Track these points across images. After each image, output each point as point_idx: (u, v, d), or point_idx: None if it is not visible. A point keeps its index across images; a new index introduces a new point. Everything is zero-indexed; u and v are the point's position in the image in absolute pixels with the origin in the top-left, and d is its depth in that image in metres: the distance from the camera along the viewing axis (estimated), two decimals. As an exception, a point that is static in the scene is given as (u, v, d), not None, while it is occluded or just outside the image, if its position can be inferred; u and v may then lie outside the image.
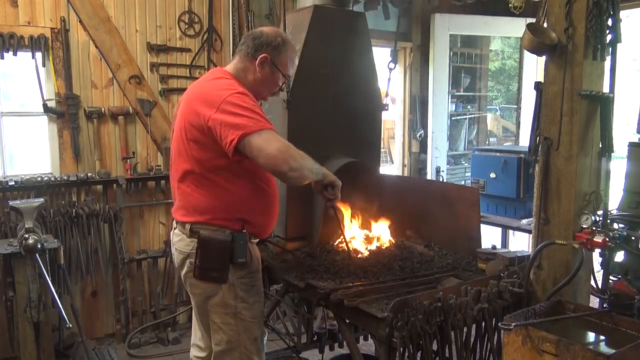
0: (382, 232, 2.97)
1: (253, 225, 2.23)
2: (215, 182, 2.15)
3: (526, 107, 5.74)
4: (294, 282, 2.53)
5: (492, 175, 4.26)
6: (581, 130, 2.14)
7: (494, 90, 7.85)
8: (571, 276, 2.11)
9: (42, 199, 3.35)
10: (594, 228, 2.11)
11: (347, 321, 2.47)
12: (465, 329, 2.17)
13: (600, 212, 2.20)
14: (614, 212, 2.48)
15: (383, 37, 4.75)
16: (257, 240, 2.38)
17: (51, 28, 3.78)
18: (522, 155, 4.08)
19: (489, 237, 4.01)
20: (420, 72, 5.34)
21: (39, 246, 3.00)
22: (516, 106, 6.02)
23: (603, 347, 1.94)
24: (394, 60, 3.22)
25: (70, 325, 3.06)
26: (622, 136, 3.33)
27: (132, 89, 4.10)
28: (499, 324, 2.09)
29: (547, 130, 2.23)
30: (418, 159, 5.40)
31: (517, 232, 4.54)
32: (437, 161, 5.38)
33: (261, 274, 2.35)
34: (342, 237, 2.71)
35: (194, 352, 2.53)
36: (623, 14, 2.63)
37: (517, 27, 4.89)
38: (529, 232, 3.65)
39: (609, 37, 2.12)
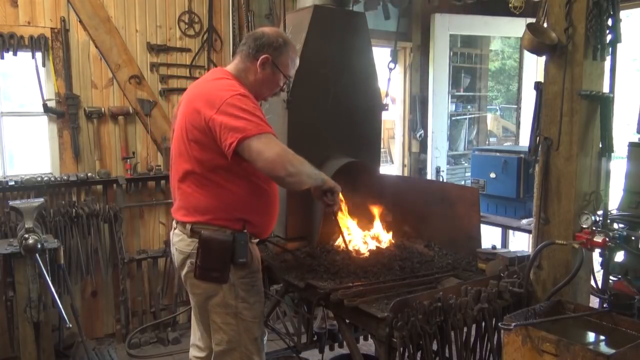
0: (380, 230, 2.97)
1: (253, 225, 2.23)
2: (215, 183, 2.15)
3: (526, 107, 5.74)
4: (294, 282, 2.53)
5: (492, 175, 4.26)
6: (581, 130, 2.14)
7: (494, 90, 7.84)
8: (571, 276, 2.11)
9: (42, 199, 3.35)
10: (594, 228, 2.11)
11: (347, 321, 2.47)
12: (465, 329, 2.17)
13: (600, 212, 2.20)
14: (614, 212, 2.48)
15: (383, 37, 4.76)
16: (257, 240, 2.38)
17: (51, 28, 3.78)
18: (522, 155, 4.08)
19: (489, 237, 4.01)
20: (420, 72, 5.34)
21: (39, 246, 3.00)
22: (516, 106, 6.03)
23: (603, 347, 1.94)
24: (394, 60, 3.22)
25: (70, 325, 3.06)
26: (622, 136, 3.34)
27: (132, 89, 4.10)
28: (499, 324, 2.09)
29: (547, 130, 2.23)
30: (418, 159, 5.40)
31: (517, 232, 4.54)
32: (437, 161, 5.38)
33: (261, 274, 2.35)
34: (342, 240, 2.71)
35: (193, 352, 2.53)
36: (623, 14, 2.63)
37: (517, 27, 4.88)
38: (529, 232, 3.65)
39: (609, 37, 2.12)
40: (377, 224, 2.99)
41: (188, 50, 4.29)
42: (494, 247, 2.68)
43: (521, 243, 5.19)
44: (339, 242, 2.80)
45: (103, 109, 4.00)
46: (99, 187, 4.01)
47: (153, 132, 4.21)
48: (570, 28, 2.09)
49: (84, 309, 4.01)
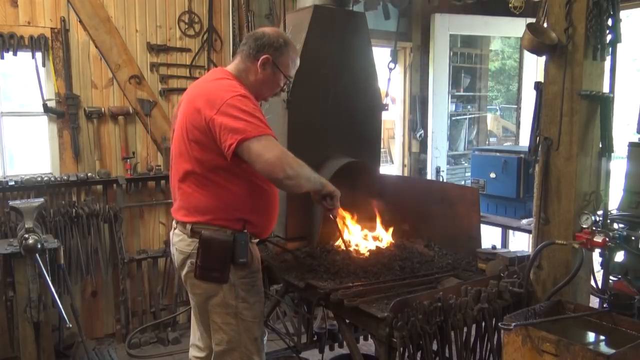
0: (380, 231, 2.97)
1: (254, 225, 2.23)
2: (216, 183, 2.15)
3: (526, 107, 5.74)
4: (294, 282, 2.53)
5: (492, 175, 4.26)
6: (581, 130, 2.14)
7: (494, 90, 7.84)
8: (571, 276, 2.11)
9: (42, 199, 3.35)
10: (594, 228, 2.11)
11: (347, 321, 2.47)
12: (465, 329, 2.17)
13: (600, 212, 2.20)
14: (614, 212, 2.48)
15: (383, 37, 4.75)
16: (257, 240, 2.38)
17: (51, 28, 3.78)
18: (522, 155, 4.08)
19: (489, 237, 4.01)
20: (420, 72, 5.34)
21: (39, 246, 3.00)
22: (516, 106, 6.03)
23: (603, 347, 1.94)
24: (394, 60, 3.22)
25: (70, 325, 3.06)
26: (622, 136, 3.34)
27: (132, 89, 4.10)
28: (499, 324, 2.09)
29: (547, 130, 2.23)
30: (418, 159, 5.40)
31: (517, 232, 4.54)
32: (437, 161, 5.38)
33: (261, 274, 2.35)
34: (342, 243, 2.71)
35: (193, 352, 2.53)
36: (623, 14, 2.63)
37: (517, 27, 4.88)
38: (529, 232, 3.65)
39: (609, 37, 2.12)
40: (377, 225, 2.99)
41: (188, 50, 4.29)
42: (494, 247, 2.68)
43: (521, 243, 5.19)
44: (339, 242, 2.80)
45: (103, 109, 4.00)
46: (99, 187, 4.01)
47: (153, 132, 4.21)
48: (570, 28, 2.09)
49: (84, 309, 4.01)
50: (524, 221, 4.03)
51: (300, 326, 3.01)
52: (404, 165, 5.50)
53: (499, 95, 7.90)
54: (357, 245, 2.82)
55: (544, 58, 2.26)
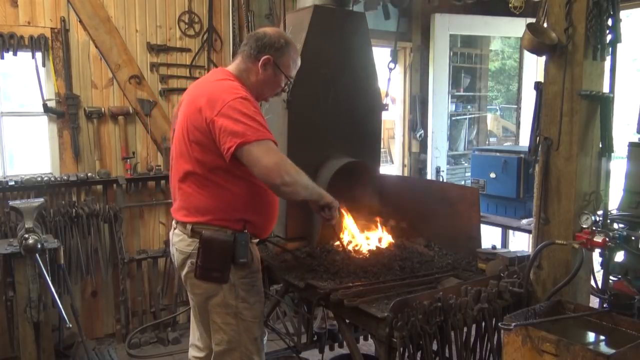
0: (380, 233, 2.97)
1: (254, 226, 2.24)
2: (216, 183, 2.15)
3: (526, 107, 5.74)
4: (294, 282, 2.53)
5: (492, 175, 4.26)
6: (581, 130, 2.14)
7: (494, 90, 7.84)
8: (571, 276, 2.11)
9: (42, 199, 3.35)
10: (594, 228, 2.11)
11: (347, 321, 2.47)
12: (465, 329, 2.17)
13: (600, 212, 2.20)
14: (614, 212, 2.48)
15: (383, 37, 4.75)
16: (257, 240, 2.38)
17: (51, 28, 3.78)
18: (522, 155, 4.08)
19: (489, 237, 4.01)
20: (420, 72, 5.33)
21: (39, 246, 3.00)
22: (516, 106, 6.02)
23: (603, 347, 1.94)
24: (394, 60, 3.22)
25: (70, 325, 3.06)
26: (622, 136, 3.34)
27: (132, 89, 4.10)
28: (499, 324, 2.09)
29: (547, 130, 2.23)
30: (418, 159, 5.40)
31: (517, 232, 4.54)
32: (437, 161, 5.38)
33: (261, 274, 2.35)
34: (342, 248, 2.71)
35: (192, 352, 2.53)
36: (623, 14, 2.63)
37: (517, 27, 4.88)
38: (529, 232, 3.65)
39: (609, 37, 2.12)
40: (377, 226, 2.99)
41: (188, 50, 4.29)
42: (494, 247, 2.68)
43: (521, 243, 5.19)
44: (339, 243, 2.80)
45: (103, 109, 4.00)
46: (99, 187, 4.01)
47: (153, 132, 4.21)
48: (570, 28, 2.09)
49: (84, 309, 4.01)
50: (524, 221, 4.03)
51: (300, 326, 3.01)
52: (404, 165, 5.50)
53: (499, 95, 7.90)
54: (357, 246, 2.82)
55: (544, 58, 2.26)
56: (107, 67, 4.01)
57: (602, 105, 2.16)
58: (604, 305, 2.30)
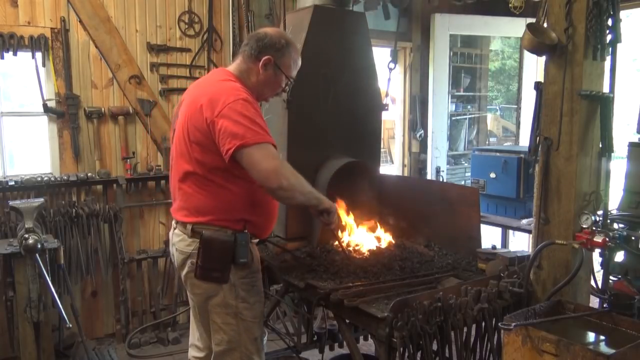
0: (380, 233, 2.97)
1: (254, 226, 2.24)
2: (216, 183, 2.15)
3: (526, 107, 5.74)
4: (294, 282, 2.53)
5: (492, 175, 4.26)
6: (581, 130, 2.14)
7: (494, 90, 7.84)
8: (571, 276, 2.11)
9: (42, 199, 3.35)
10: (594, 228, 2.11)
11: (347, 321, 2.47)
12: (465, 329, 2.17)
13: (600, 212, 2.20)
14: (614, 212, 2.48)
15: (383, 37, 4.75)
16: (257, 240, 2.38)
17: (51, 28, 3.78)
18: (522, 155, 4.08)
19: (489, 237, 4.01)
20: (420, 72, 5.33)
21: (39, 246, 3.00)
22: (516, 106, 6.02)
23: (603, 347, 1.94)
24: (394, 60, 3.22)
25: (70, 325, 3.06)
26: (622, 136, 3.34)
27: (132, 89, 4.10)
28: (499, 324, 2.09)
29: (547, 130, 2.23)
30: (418, 159, 5.40)
31: (517, 232, 4.54)
32: (437, 161, 5.38)
33: (261, 274, 2.35)
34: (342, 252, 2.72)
35: (192, 352, 2.53)
36: (623, 14, 2.64)
37: (517, 27, 4.89)
38: (529, 232, 3.65)
39: (609, 37, 2.12)
40: (377, 226, 2.99)
41: (188, 50, 4.29)
42: (494, 247, 2.68)
43: (521, 243, 5.19)
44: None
45: (103, 109, 4.00)
46: (99, 187, 4.00)
47: (153, 132, 4.21)
48: (570, 28, 2.10)
49: (84, 309, 4.01)
50: (524, 221, 4.03)
51: (300, 326, 3.01)
52: (404, 165, 5.50)
53: (499, 95, 7.90)
54: (357, 246, 2.82)
55: (544, 58, 2.26)
56: (107, 67, 4.01)
57: (602, 105, 2.16)
58: (604, 305, 2.30)
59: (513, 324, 1.92)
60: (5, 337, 3.51)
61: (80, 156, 3.94)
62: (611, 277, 2.43)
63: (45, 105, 3.78)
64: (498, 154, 4.35)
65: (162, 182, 4.20)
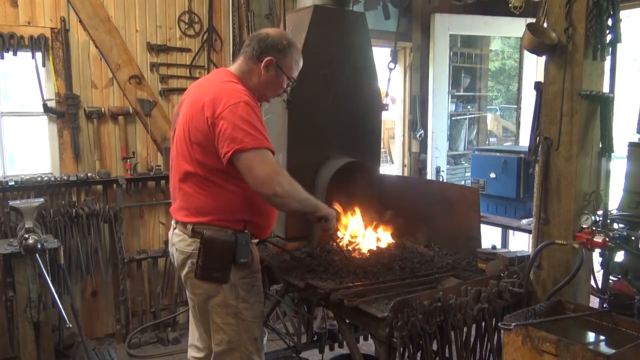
0: (380, 233, 2.97)
1: (254, 226, 2.24)
2: (217, 184, 2.15)
3: (526, 107, 5.74)
4: (294, 282, 2.53)
5: (492, 175, 4.26)
6: (581, 130, 2.14)
7: (494, 90, 7.84)
8: (571, 276, 2.11)
9: (42, 199, 3.35)
10: (594, 228, 2.11)
11: (347, 321, 2.47)
12: (465, 329, 2.17)
13: (600, 212, 2.20)
14: (614, 212, 2.48)
15: (383, 37, 4.75)
16: (257, 240, 2.38)
17: (51, 28, 3.78)
18: (522, 155, 4.08)
19: (489, 237, 4.01)
20: (420, 72, 5.33)
21: (39, 246, 3.00)
22: (516, 106, 6.02)
23: (603, 347, 1.94)
24: (394, 60, 3.22)
25: (70, 325, 3.06)
26: (622, 136, 3.34)
27: (132, 89, 4.10)
28: (499, 324, 2.09)
29: (547, 130, 2.23)
30: (418, 159, 5.39)
31: (517, 232, 4.54)
32: (437, 161, 5.38)
33: (261, 274, 2.35)
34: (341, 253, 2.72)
35: (191, 352, 2.53)
36: (623, 14, 2.63)
37: (517, 27, 4.88)
38: (529, 232, 3.65)
39: (609, 37, 2.12)
40: (377, 226, 2.99)
41: (188, 50, 4.29)
42: (494, 247, 2.68)
43: (521, 243, 5.19)
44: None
45: (103, 109, 4.00)
46: (99, 187, 4.00)
47: (153, 132, 4.21)
48: (570, 28, 2.10)
49: (84, 309, 4.01)
50: (524, 221, 4.03)
51: (300, 326, 3.01)
52: (404, 165, 5.50)
53: (499, 95, 7.90)
54: (356, 245, 2.82)
55: (544, 58, 2.26)
56: (107, 67, 4.01)
57: (602, 105, 2.16)
58: (604, 305, 2.30)
59: (513, 324, 1.92)
60: (5, 337, 3.51)
61: (80, 156, 3.95)
62: (611, 277, 2.43)
63: (45, 105, 3.78)
64: (498, 154, 4.35)
65: (162, 182, 4.20)
